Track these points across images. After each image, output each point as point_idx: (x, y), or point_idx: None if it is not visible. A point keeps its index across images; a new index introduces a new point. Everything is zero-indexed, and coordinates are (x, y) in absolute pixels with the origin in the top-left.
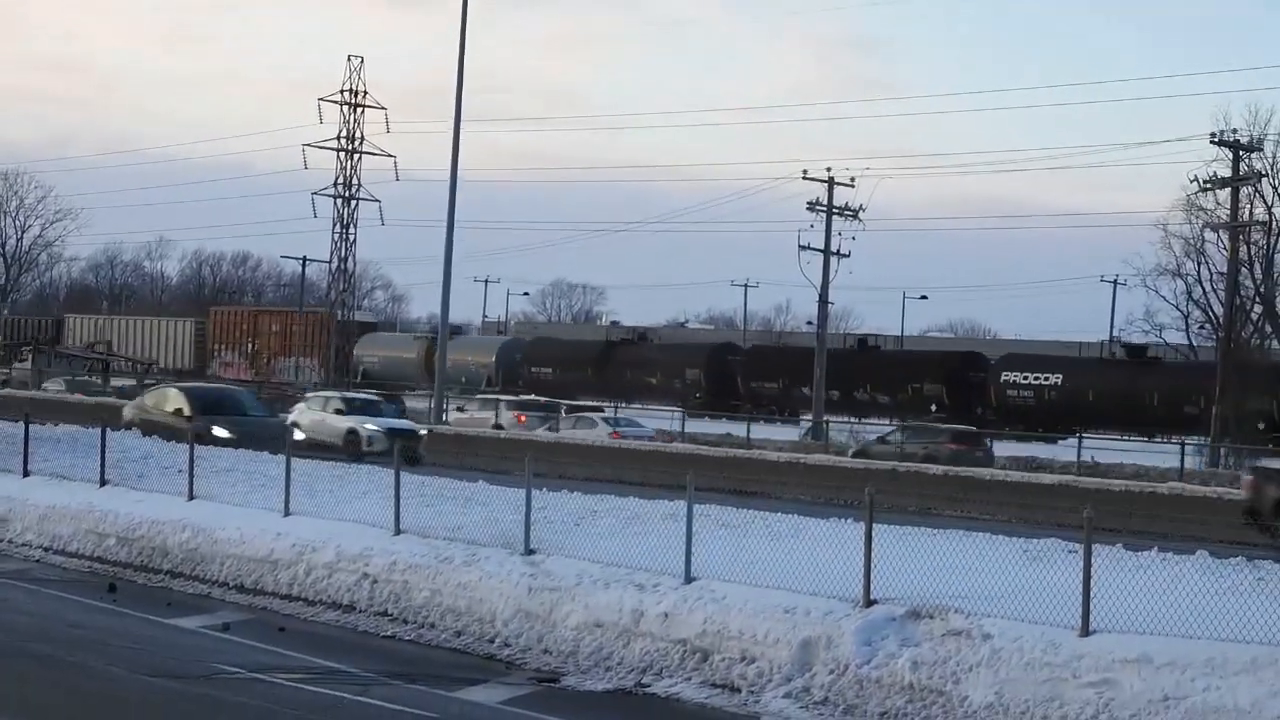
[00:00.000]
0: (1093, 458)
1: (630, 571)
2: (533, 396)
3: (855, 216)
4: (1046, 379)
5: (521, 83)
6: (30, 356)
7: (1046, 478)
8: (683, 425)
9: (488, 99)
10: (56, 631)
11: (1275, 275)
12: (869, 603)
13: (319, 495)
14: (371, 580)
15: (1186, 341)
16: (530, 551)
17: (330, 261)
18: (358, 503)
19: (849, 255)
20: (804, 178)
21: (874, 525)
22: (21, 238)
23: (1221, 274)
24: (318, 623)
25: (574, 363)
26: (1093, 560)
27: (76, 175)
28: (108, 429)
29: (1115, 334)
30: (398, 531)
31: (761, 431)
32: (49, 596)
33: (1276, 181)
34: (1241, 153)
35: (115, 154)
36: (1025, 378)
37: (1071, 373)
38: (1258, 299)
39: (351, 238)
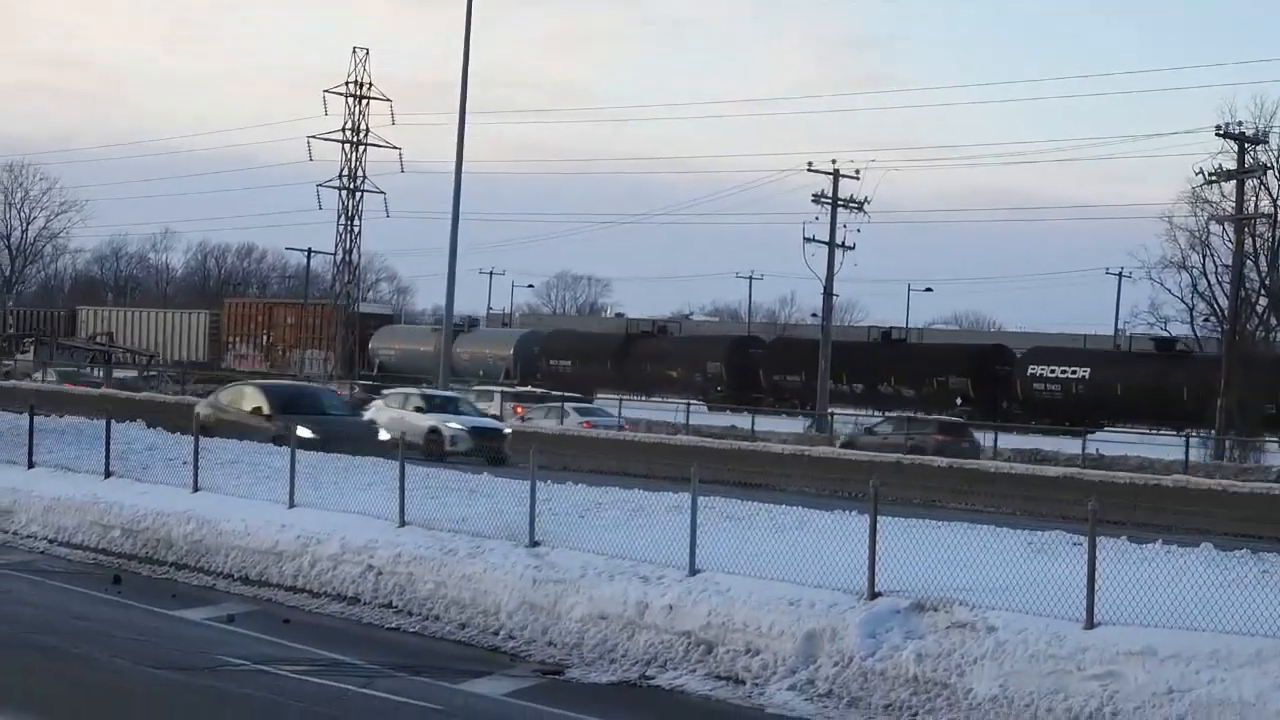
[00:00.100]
0: (1098, 450)
1: (635, 564)
2: (529, 388)
3: (860, 209)
4: (1074, 372)
5: (525, 77)
6: (32, 348)
7: (1051, 470)
8: (687, 418)
9: (492, 93)
10: (61, 623)
11: None
12: (873, 595)
13: (324, 487)
14: (376, 572)
15: (1191, 334)
16: (535, 543)
17: (335, 253)
18: (362, 494)
19: (854, 248)
20: (809, 170)
21: (878, 517)
22: (27, 229)
23: (1227, 267)
24: (322, 615)
25: (593, 355)
26: (1097, 553)
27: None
28: (112, 420)
29: (1120, 326)
30: (402, 523)
31: (768, 424)
32: (54, 588)
33: None
34: (1247, 145)
35: (120, 146)
36: (1052, 371)
37: (1099, 366)
38: (1263, 292)
39: (356, 230)
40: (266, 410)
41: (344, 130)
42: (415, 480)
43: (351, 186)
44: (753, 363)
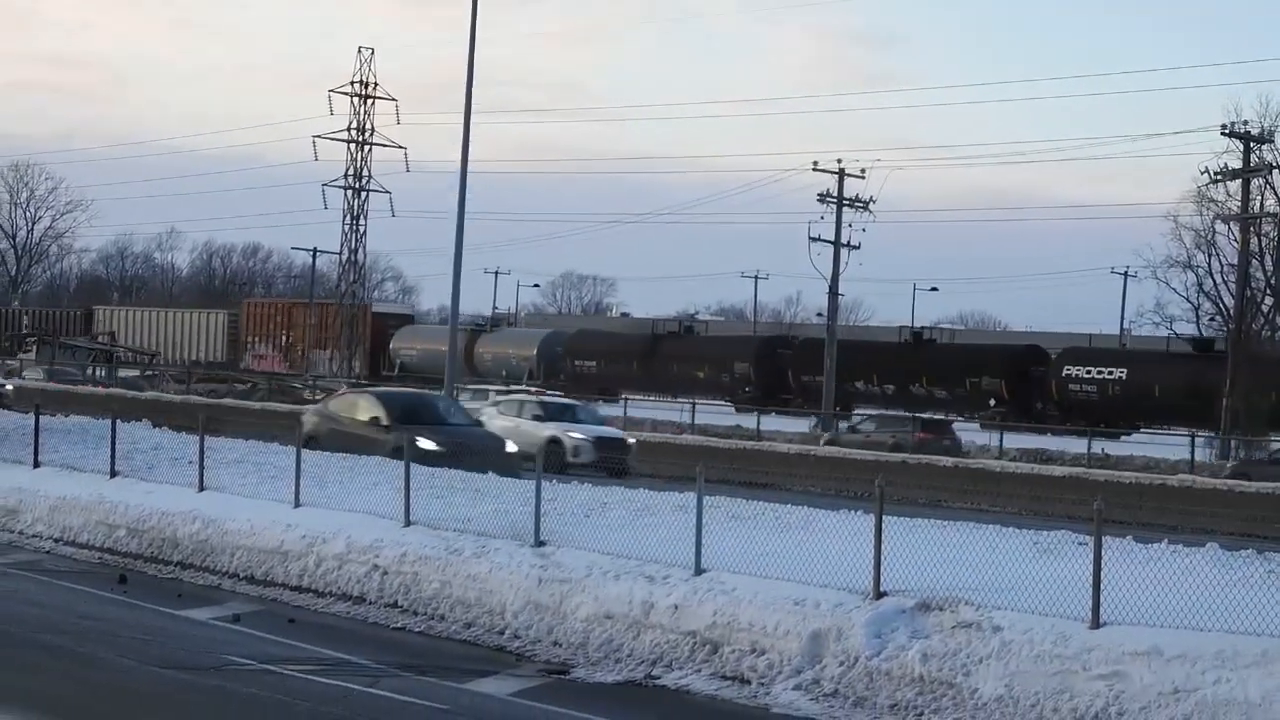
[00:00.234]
0: (1104, 449)
1: (640, 563)
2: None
3: (866, 208)
4: (1110, 373)
5: (526, 76)
6: (35, 347)
7: (1057, 470)
8: (693, 417)
9: (495, 92)
10: (67, 623)
11: None
12: (879, 595)
13: (329, 486)
14: (382, 572)
15: (1197, 334)
16: (540, 543)
17: (341, 253)
18: (368, 494)
19: (859, 247)
20: (814, 169)
21: (884, 517)
22: (32, 229)
23: (1232, 266)
24: (328, 614)
25: (619, 355)
26: (1103, 552)
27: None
28: (118, 420)
29: (1126, 326)
30: (408, 523)
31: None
32: (60, 588)
33: None
34: (1252, 144)
35: (125, 145)
36: (1088, 372)
37: (1136, 367)
38: (1269, 291)
39: (362, 229)
40: (384, 420)
41: (349, 130)
42: (420, 480)
43: (357, 186)
44: (781, 363)
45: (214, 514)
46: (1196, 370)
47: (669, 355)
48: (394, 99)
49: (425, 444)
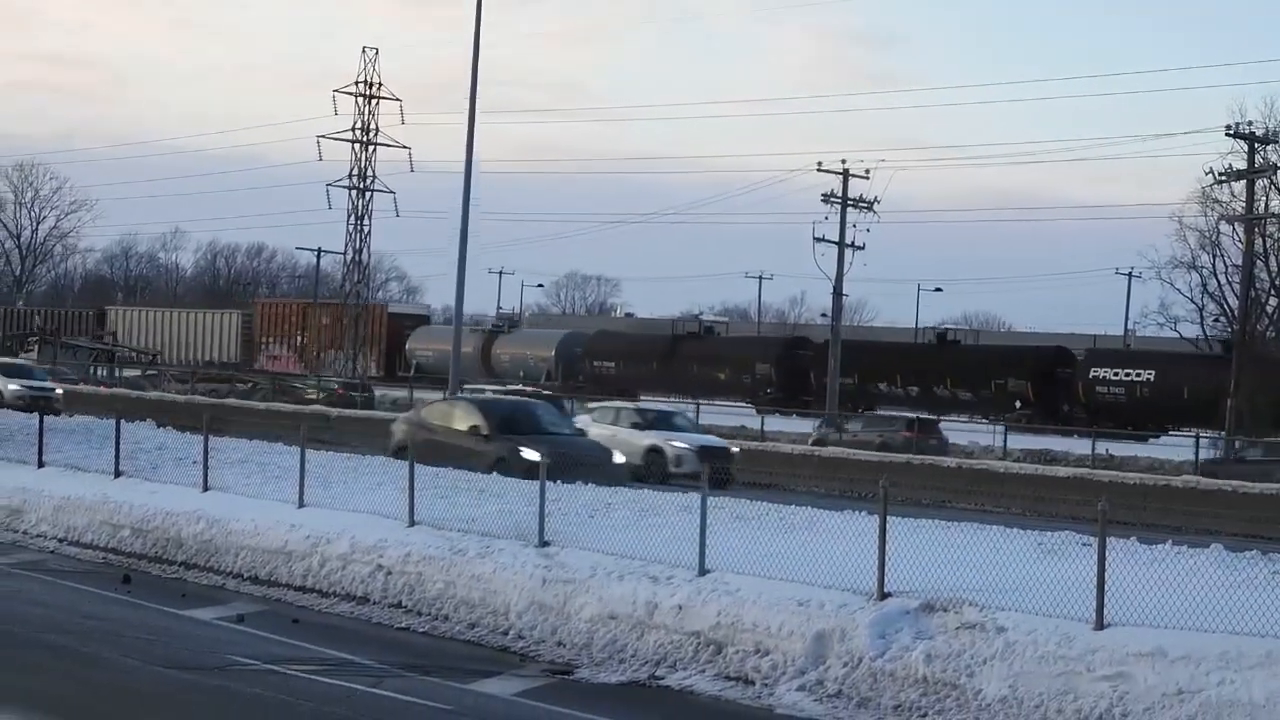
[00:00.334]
0: (1107, 450)
1: (644, 564)
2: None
3: (870, 208)
4: (1138, 375)
5: (529, 76)
6: (36, 347)
7: (1061, 471)
8: (696, 416)
9: (498, 92)
10: (71, 623)
11: None
12: (883, 595)
13: (333, 487)
14: (386, 572)
15: (1201, 335)
16: (544, 544)
17: (345, 253)
18: (372, 494)
19: (864, 247)
20: (818, 170)
21: (888, 517)
22: (37, 229)
23: (1237, 267)
24: (332, 614)
25: (638, 357)
26: (1107, 553)
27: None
28: (122, 420)
29: (1130, 327)
30: (412, 523)
31: (779, 424)
32: (64, 588)
33: None
34: (1257, 145)
35: (129, 145)
36: (1116, 374)
37: (1165, 368)
38: (1273, 292)
39: (366, 229)
40: (485, 429)
41: (353, 130)
42: (424, 480)
43: (361, 186)
44: (803, 364)
45: (218, 514)
46: (1226, 372)
47: (689, 356)
48: (398, 99)
49: (531, 455)
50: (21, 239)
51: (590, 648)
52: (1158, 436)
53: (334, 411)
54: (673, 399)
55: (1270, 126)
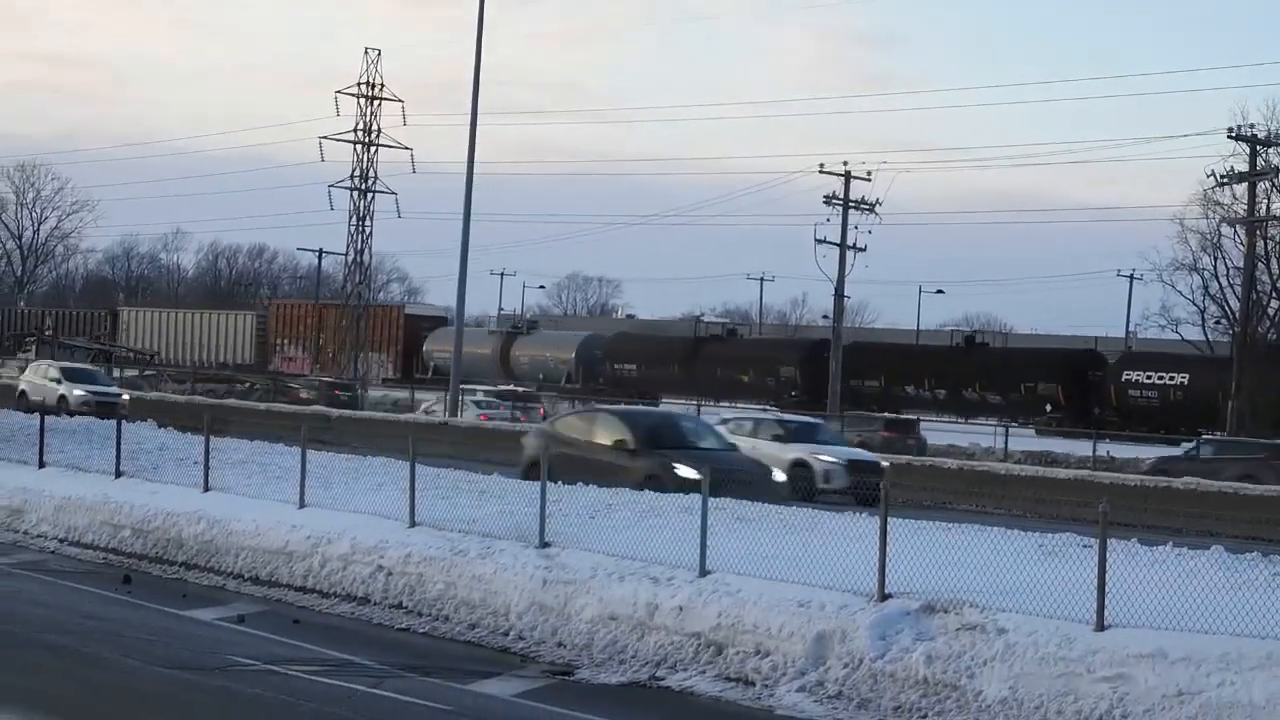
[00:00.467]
0: (1108, 452)
1: (645, 565)
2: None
3: (872, 210)
4: (1172, 378)
5: (529, 76)
6: (34, 348)
7: (1062, 472)
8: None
9: (500, 92)
10: (71, 623)
11: None
12: (883, 597)
13: (334, 487)
14: (386, 572)
15: (1203, 337)
16: (545, 544)
17: (346, 254)
18: (373, 495)
19: (865, 249)
20: (820, 171)
21: (888, 519)
22: (38, 229)
23: (1238, 269)
24: (332, 615)
25: (660, 359)
26: (1108, 555)
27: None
28: (123, 421)
29: (1132, 329)
30: (413, 524)
31: None
32: (64, 588)
33: None
34: (1259, 148)
35: (130, 146)
36: (1149, 377)
37: (1199, 371)
38: (1274, 294)
39: (368, 230)
40: (631, 444)
41: (355, 131)
42: (425, 481)
43: (363, 187)
44: (828, 367)
45: (219, 514)
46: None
47: (712, 359)
48: (400, 100)
49: (687, 472)
50: (23, 240)
51: (591, 648)
52: (1191, 440)
53: (335, 412)
54: (695, 401)
55: (1272, 129)
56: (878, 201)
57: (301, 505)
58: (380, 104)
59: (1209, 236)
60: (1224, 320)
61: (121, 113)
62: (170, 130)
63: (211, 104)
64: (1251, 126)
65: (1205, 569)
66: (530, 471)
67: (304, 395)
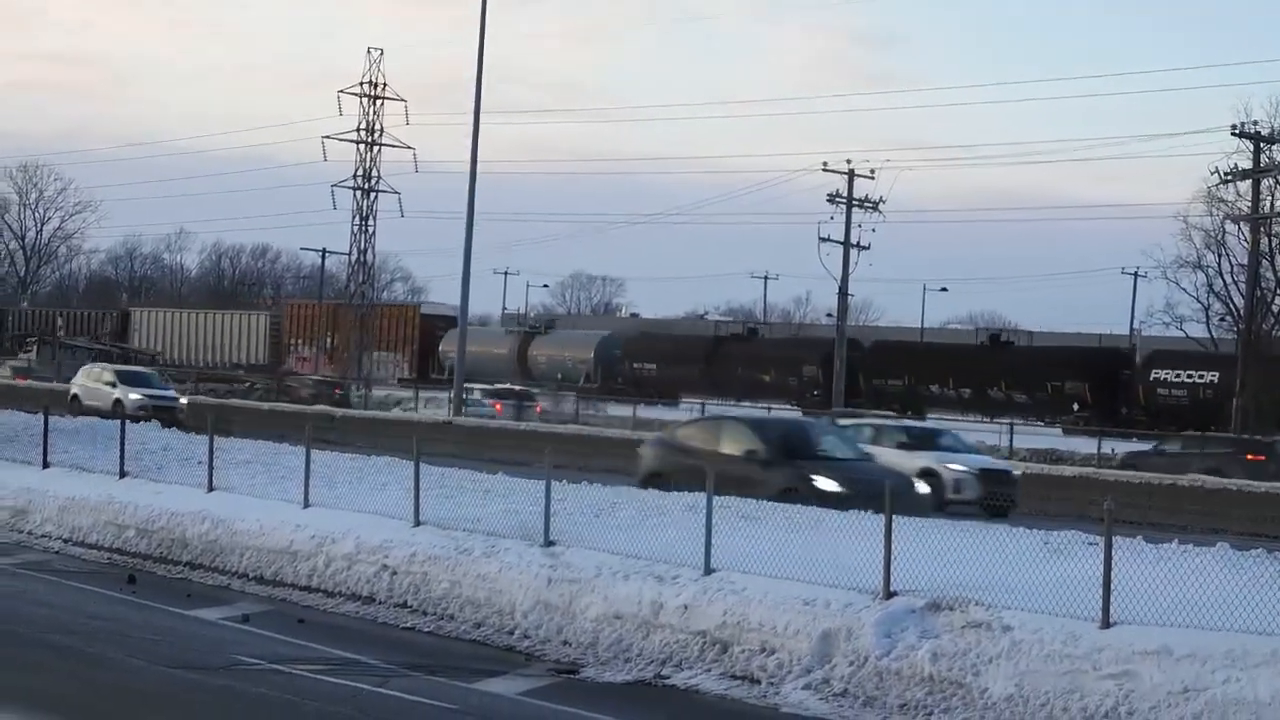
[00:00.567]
0: (1113, 449)
1: (650, 563)
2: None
3: (875, 208)
4: (1202, 376)
5: (532, 76)
6: (35, 348)
7: (1067, 470)
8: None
9: (502, 91)
10: (76, 623)
11: None
12: (889, 594)
13: (338, 487)
14: (391, 572)
15: (1207, 334)
16: (550, 543)
17: (350, 253)
18: (377, 495)
19: (869, 247)
20: (824, 170)
21: (893, 516)
22: (41, 230)
23: (1242, 266)
24: (337, 614)
25: (680, 359)
26: (1113, 552)
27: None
28: (126, 420)
29: (1136, 327)
30: (417, 523)
31: None
32: (68, 588)
33: None
34: (1262, 145)
35: (134, 146)
36: (1177, 375)
37: (1229, 370)
38: (1279, 291)
39: (371, 229)
40: (763, 454)
41: (358, 130)
42: (430, 480)
43: (366, 187)
44: (851, 366)
45: (223, 514)
46: None
47: (733, 358)
48: (403, 99)
49: (827, 485)
50: (26, 240)
51: (596, 647)
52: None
53: (339, 411)
54: (715, 401)
55: (1276, 126)
56: (881, 199)
57: (306, 505)
58: (383, 103)
59: (1213, 234)
60: (1228, 318)
61: (123, 112)
62: (172, 130)
63: (213, 104)
64: (1255, 123)
65: (1210, 566)
66: (650, 482)
67: (302, 394)
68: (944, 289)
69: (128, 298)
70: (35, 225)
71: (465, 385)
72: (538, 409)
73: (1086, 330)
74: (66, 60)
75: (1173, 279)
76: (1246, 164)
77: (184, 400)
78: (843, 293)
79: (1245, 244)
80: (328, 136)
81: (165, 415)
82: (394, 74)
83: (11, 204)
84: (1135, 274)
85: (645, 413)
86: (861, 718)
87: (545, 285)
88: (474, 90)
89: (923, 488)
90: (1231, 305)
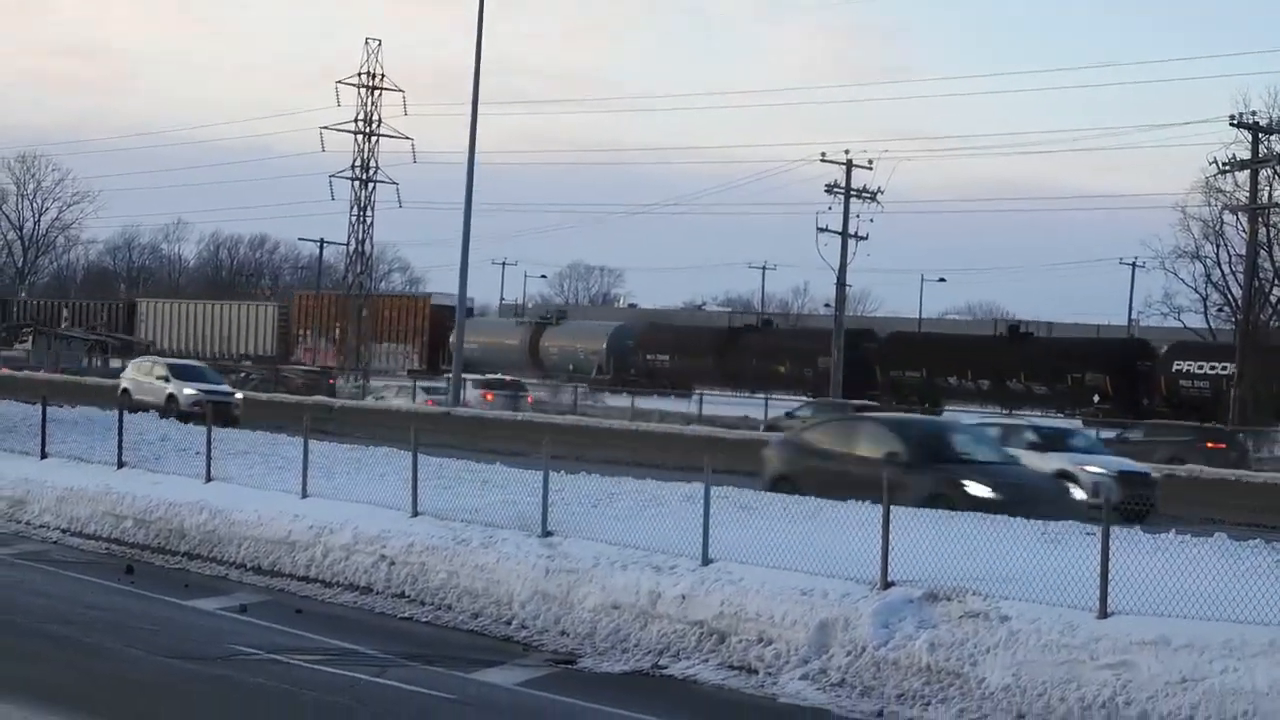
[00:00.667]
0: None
1: (647, 554)
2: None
3: (873, 199)
4: (1225, 368)
5: (534, 67)
6: (30, 338)
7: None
8: (700, 408)
9: (502, 82)
10: (74, 613)
11: None
12: (886, 585)
13: (336, 477)
14: (389, 562)
15: (1205, 324)
16: (548, 533)
17: (348, 244)
18: (375, 485)
19: (867, 238)
20: (822, 160)
21: (891, 507)
22: (39, 220)
23: (1240, 256)
24: (335, 604)
25: (693, 350)
26: (1110, 542)
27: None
28: (125, 412)
29: (1134, 317)
30: (415, 513)
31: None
32: (67, 578)
33: None
34: (1261, 135)
35: (132, 137)
36: (1199, 367)
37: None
38: (1277, 281)
39: (369, 220)
40: (905, 457)
41: (356, 121)
42: (428, 470)
43: (364, 177)
44: (868, 358)
45: (221, 505)
46: None
47: (747, 349)
48: (401, 90)
49: (979, 491)
50: (24, 230)
51: (593, 637)
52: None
53: (337, 402)
54: (729, 393)
55: (1274, 116)
56: (879, 190)
57: (304, 495)
58: (381, 94)
59: (1211, 224)
60: (1226, 308)
61: (121, 104)
62: (171, 121)
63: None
64: (1253, 114)
65: (1208, 556)
66: (778, 486)
67: (297, 384)
68: (942, 279)
69: (125, 288)
70: (33, 216)
71: (466, 376)
72: (529, 399)
73: (1084, 321)
74: (66, 52)
75: (1171, 269)
76: (1245, 154)
77: (239, 395)
78: (841, 283)
79: (1243, 234)
80: (326, 127)
81: (221, 411)
82: (392, 68)
83: (9, 194)
84: (1133, 264)
85: (643, 403)
86: (859, 708)
87: (543, 275)
88: (472, 81)
89: (1078, 493)
90: (1229, 295)
